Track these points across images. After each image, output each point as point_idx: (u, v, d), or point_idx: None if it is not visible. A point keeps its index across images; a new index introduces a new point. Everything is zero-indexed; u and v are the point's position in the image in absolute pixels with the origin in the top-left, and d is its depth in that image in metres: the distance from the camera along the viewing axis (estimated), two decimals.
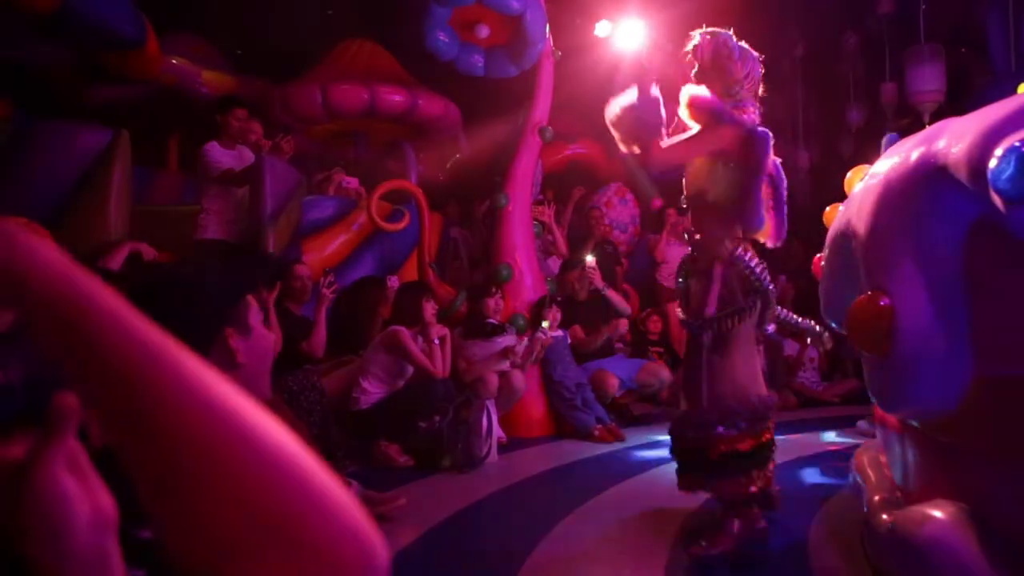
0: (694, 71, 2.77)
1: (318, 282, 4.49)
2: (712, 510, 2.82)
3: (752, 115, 2.69)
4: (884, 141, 3.32)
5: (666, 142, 2.70)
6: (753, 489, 2.56)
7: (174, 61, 6.70)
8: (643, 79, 2.72)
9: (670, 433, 2.81)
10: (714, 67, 2.71)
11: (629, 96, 2.76)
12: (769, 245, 2.78)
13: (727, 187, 2.65)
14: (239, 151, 5.03)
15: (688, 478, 2.75)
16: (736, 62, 2.69)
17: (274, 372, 3.77)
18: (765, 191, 2.71)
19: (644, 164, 2.88)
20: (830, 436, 4.71)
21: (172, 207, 6.32)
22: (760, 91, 2.78)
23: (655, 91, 2.72)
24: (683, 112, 2.72)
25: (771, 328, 2.78)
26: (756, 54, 2.76)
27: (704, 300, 2.64)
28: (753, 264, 2.61)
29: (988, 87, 7.41)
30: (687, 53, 2.78)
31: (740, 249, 2.62)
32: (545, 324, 4.84)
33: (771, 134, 2.68)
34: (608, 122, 2.86)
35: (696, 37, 2.77)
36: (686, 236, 2.84)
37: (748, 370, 2.66)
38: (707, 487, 2.70)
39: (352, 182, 6.01)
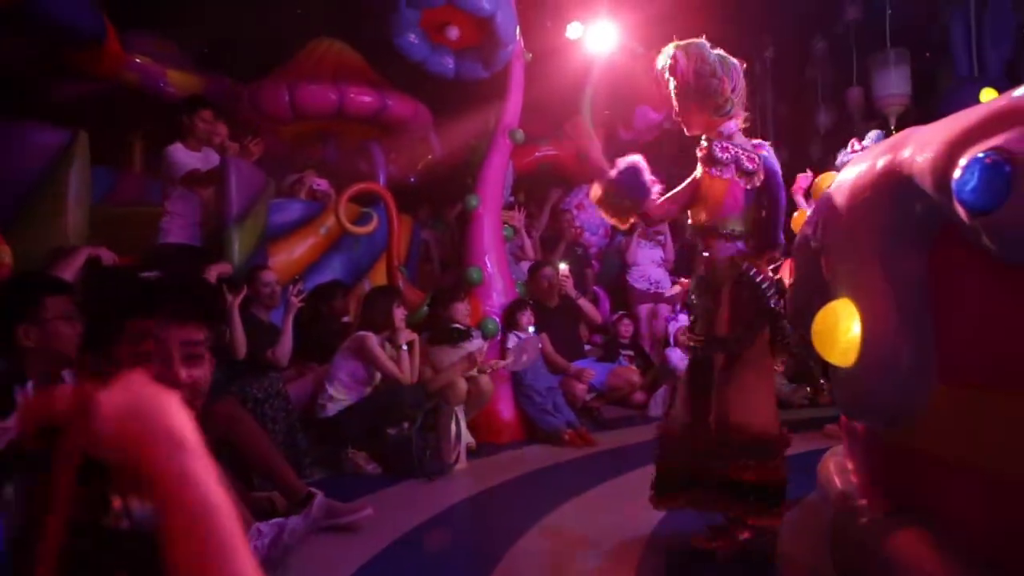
0: (674, 87, 2.70)
1: (287, 288, 4.43)
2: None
3: (737, 123, 2.70)
4: (870, 136, 3.34)
5: (661, 199, 2.75)
6: (764, 523, 2.53)
7: (137, 59, 6.57)
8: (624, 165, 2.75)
9: (660, 449, 2.76)
10: (698, 88, 2.64)
11: (608, 176, 2.76)
12: (771, 253, 2.75)
13: (743, 222, 2.66)
14: (205, 153, 4.94)
15: (669, 497, 2.71)
16: (722, 79, 2.62)
17: (239, 380, 3.75)
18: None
19: (645, 222, 2.89)
20: (798, 441, 4.73)
21: (136, 208, 6.19)
22: (744, 96, 2.75)
23: (634, 162, 2.75)
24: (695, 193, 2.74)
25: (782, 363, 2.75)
26: (735, 61, 2.70)
27: (714, 319, 2.61)
28: (762, 282, 2.58)
29: (952, 91, 7.54)
30: (662, 71, 2.72)
31: (749, 266, 2.60)
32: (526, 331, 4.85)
33: (766, 158, 2.69)
34: (594, 203, 2.86)
35: (669, 53, 2.68)
36: (702, 254, 2.79)
37: (765, 399, 2.60)
38: (706, 507, 2.63)
39: (323, 184, 5.94)
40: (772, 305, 2.56)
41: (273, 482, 2.96)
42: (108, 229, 5.46)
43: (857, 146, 3.72)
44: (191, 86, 6.96)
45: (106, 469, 0.75)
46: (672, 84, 2.69)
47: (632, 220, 2.82)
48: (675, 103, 2.73)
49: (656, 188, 2.77)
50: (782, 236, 2.72)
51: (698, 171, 2.74)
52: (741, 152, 2.64)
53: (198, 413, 1.13)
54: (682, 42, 2.68)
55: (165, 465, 0.70)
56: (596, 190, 2.80)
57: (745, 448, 2.49)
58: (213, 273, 3.82)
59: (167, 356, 1.12)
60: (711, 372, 2.60)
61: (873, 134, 3.36)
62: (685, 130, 2.78)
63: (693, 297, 2.80)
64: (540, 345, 5.05)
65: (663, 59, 2.70)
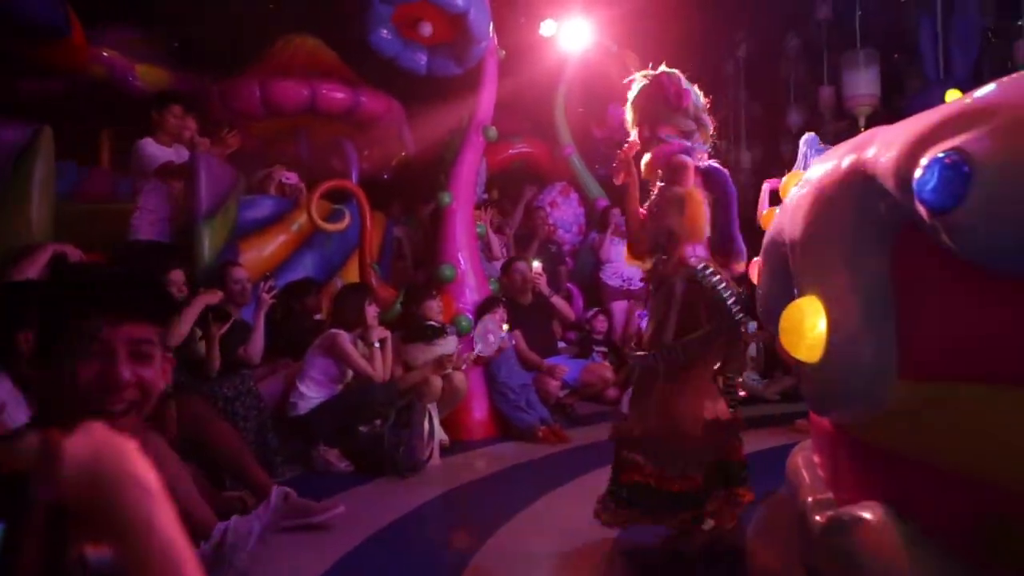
0: (639, 95, 2.76)
1: (257, 285, 4.39)
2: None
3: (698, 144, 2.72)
4: (803, 140, 3.38)
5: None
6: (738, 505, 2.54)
7: (105, 53, 6.46)
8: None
9: (616, 458, 2.77)
10: (662, 107, 2.69)
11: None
12: (734, 266, 2.76)
13: (695, 227, 2.62)
14: (176, 149, 4.90)
15: (622, 514, 2.68)
16: (701, 108, 2.73)
17: (209, 378, 3.71)
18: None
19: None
20: (768, 436, 4.79)
21: (104, 205, 6.10)
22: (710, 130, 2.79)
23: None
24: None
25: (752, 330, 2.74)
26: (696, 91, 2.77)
27: (664, 325, 2.56)
28: (717, 281, 2.55)
29: (920, 93, 7.67)
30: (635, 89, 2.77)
31: (702, 266, 2.57)
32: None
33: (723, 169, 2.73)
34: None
35: (661, 71, 2.74)
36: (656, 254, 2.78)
37: (709, 396, 2.57)
38: (657, 521, 2.62)
39: (292, 177, 5.88)
40: (728, 310, 2.51)
41: (243, 481, 2.93)
42: (75, 225, 5.37)
43: (803, 147, 3.76)
44: (160, 81, 6.88)
45: (66, 517, 0.75)
46: (643, 96, 2.75)
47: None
48: (637, 114, 2.78)
49: None
50: (742, 244, 2.71)
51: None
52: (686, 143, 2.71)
53: (150, 414, 1.11)
54: (654, 73, 2.76)
55: (132, 513, 0.72)
56: None
57: (697, 449, 2.51)
58: (201, 302, 3.75)
59: (110, 354, 1.08)
60: (655, 379, 2.58)
61: (807, 137, 3.38)
62: (634, 133, 2.82)
63: (650, 303, 2.78)
64: (504, 329, 5.01)
65: (643, 76, 2.76)
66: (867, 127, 7.52)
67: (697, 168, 2.67)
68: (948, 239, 1.44)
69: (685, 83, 2.73)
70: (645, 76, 2.78)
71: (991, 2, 8.14)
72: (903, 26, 8.25)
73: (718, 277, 2.55)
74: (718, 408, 2.56)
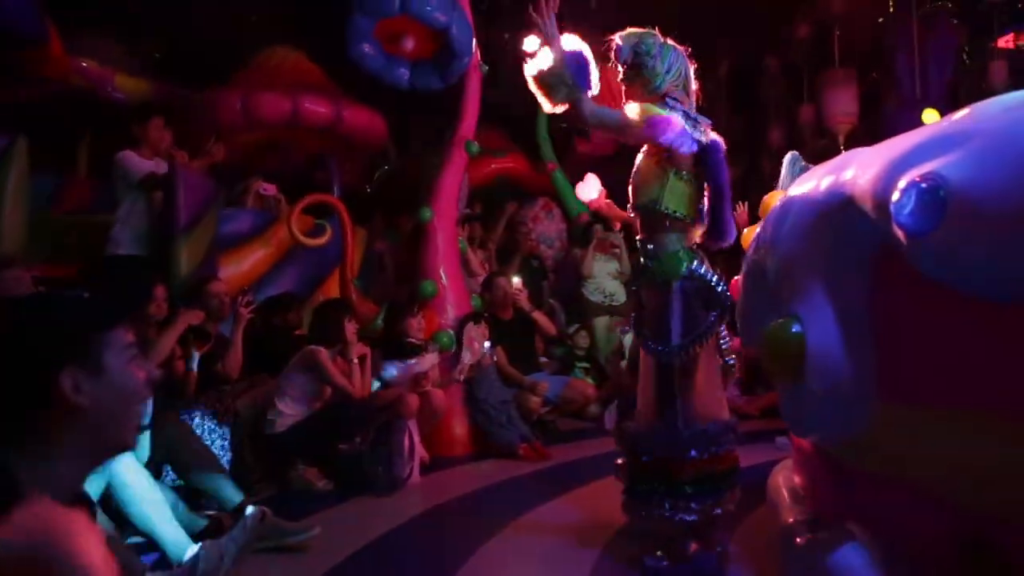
0: (620, 76, 2.75)
1: (236, 300, 4.34)
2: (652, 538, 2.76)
3: (684, 108, 2.65)
4: (787, 159, 3.40)
5: (599, 107, 2.55)
6: (719, 511, 2.55)
7: (83, 63, 6.40)
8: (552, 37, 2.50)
9: (631, 452, 2.71)
10: (634, 63, 2.67)
11: (546, 54, 2.51)
12: (725, 245, 2.72)
13: (682, 200, 2.58)
14: (156, 162, 4.86)
15: (639, 503, 2.66)
16: (655, 57, 2.65)
17: (188, 395, 3.66)
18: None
19: (569, 118, 2.59)
20: (750, 452, 4.79)
21: (82, 216, 6.04)
22: (692, 86, 2.74)
23: (571, 44, 2.53)
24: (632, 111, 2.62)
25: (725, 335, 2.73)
26: (681, 49, 2.74)
27: (666, 324, 2.57)
28: (710, 277, 2.56)
29: (897, 112, 7.79)
30: (611, 59, 2.75)
31: (696, 263, 2.58)
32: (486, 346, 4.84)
33: (715, 138, 2.64)
34: (531, 80, 2.56)
35: (617, 38, 2.74)
36: (637, 242, 2.74)
37: (713, 392, 2.64)
38: (677, 511, 2.55)
39: (270, 188, 5.85)
40: (723, 299, 2.55)
41: (218, 501, 2.88)
42: (51, 236, 5.30)
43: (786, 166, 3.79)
44: (141, 92, 6.82)
45: None
46: (620, 71, 2.74)
47: (563, 108, 2.51)
48: (623, 89, 2.75)
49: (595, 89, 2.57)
50: (733, 228, 2.65)
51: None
52: (685, 108, 2.67)
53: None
54: (629, 30, 2.74)
55: None
56: (537, 64, 2.53)
57: (709, 440, 2.53)
58: (182, 324, 3.70)
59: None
60: (671, 375, 2.58)
61: (789, 156, 3.41)
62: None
63: (636, 288, 2.77)
64: (487, 342, 5.00)
65: (612, 47, 2.74)
66: (846, 144, 7.65)
67: (699, 142, 2.60)
68: (924, 263, 1.45)
69: (624, 41, 2.68)
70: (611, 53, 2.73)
71: (966, 24, 8.29)
72: (880, 46, 8.38)
73: (707, 270, 2.57)
74: (724, 405, 2.69)
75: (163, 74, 7.45)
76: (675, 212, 2.57)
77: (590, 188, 3.27)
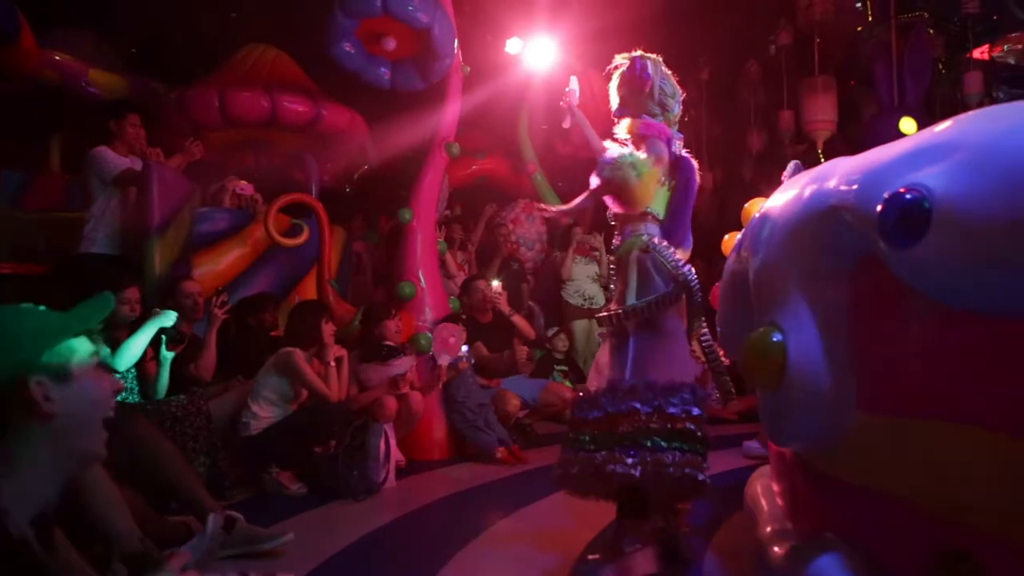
0: (619, 87, 2.89)
1: (210, 300, 4.27)
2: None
3: (668, 135, 2.81)
4: (789, 169, 3.42)
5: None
6: (686, 473, 2.32)
7: (57, 57, 6.28)
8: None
9: (572, 415, 2.69)
10: (652, 96, 2.83)
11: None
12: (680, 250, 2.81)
13: (660, 203, 2.75)
14: (132, 160, 4.79)
15: (579, 458, 2.55)
16: (673, 99, 2.85)
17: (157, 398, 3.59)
18: None
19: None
20: (728, 456, 4.80)
21: (53, 213, 5.93)
22: (677, 115, 2.90)
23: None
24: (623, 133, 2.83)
25: (705, 333, 2.73)
26: (674, 81, 2.89)
27: (624, 291, 2.68)
28: (669, 254, 2.65)
29: (874, 119, 7.86)
30: (615, 68, 2.90)
31: (656, 240, 2.68)
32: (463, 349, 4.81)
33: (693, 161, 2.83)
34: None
35: (634, 56, 2.88)
36: (594, 254, 2.92)
37: (677, 360, 2.60)
38: (610, 462, 2.43)
39: (247, 188, 5.77)
40: (681, 275, 2.60)
41: (188, 505, 2.82)
42: (21, 234, 5.20)
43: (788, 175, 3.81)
44: (115, 87, 6.71)
45: None
46: (619, 82, 2.88)
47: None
48: (617, 101, 2.89)
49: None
50: (690, 238, 2.81)
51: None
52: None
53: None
54: (648, 54, 2.89)
55: None
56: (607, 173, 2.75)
57: (651, 399, 2.45)
58: (155, 327, 3.62)
59: None
60: (625, 342, 2.65)
61: (792, 165, 3.44)
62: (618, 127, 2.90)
63: (613, 280, 2.86)
64: (463, 345, 4.97)
65: (622, 58, 2.89)
66: (825, 150, 7.72)
67: (671, 153, 2.79)
68: (907, 274, 1.44)
69: (652, 69, 2.84)
70: (624, 58, 2.89)
71: (942, 35, 8.40)
72: (859, 55, 8.47)
73: (667, 248, 2.67)
74: (686, 370, 2.60)
75: (139, 70, 7.33)
76: (654, 210, 2.74)
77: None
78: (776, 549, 1.95)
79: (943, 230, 1.29)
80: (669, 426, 2.39)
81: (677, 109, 2.89)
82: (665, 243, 2.69)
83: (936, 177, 1.33)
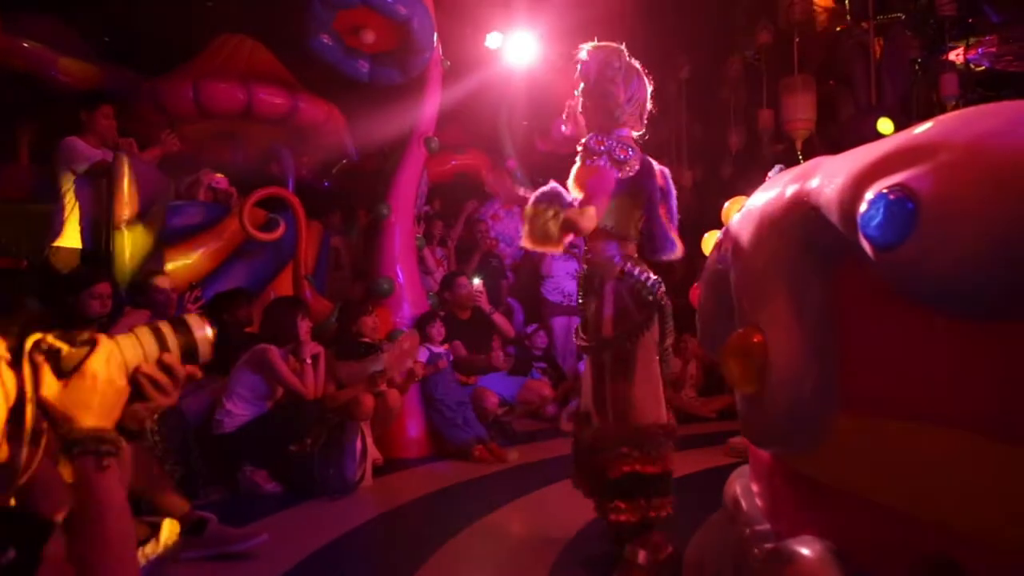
0: (579, 89, 2.78)
1: (183, 295, 4.21)
2: (608, 541, 2.77)
3: (628, 137, 2.70)
4: (773, 172, 3.45)
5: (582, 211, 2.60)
6: (653, 514, 2.54)
7: (25, 44, 6.14)
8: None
9: (580, 452, 2.76)
10: (596, 89, 2.72)
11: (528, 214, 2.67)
12: (664, 258, 2.83)
13: (618, 216, 2.66)
14: (104, 151, 4.71)
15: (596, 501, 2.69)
16: (619, 85, 2.69)
17: (158, 411, 3.51)
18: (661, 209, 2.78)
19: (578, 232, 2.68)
20: (707, 455, 4.81)
21: (22, 205, 5.80)
22: (646, 112, 2.79)
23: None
24: (572, 186, 2.71)
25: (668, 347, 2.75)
26: (644, 78, 2.77)
27: (599, 321, 2.64)
28: (644, 278, 2.63)
29: (853, 119, 7.93)
30: (576, 69, 2.78)
31: (630, 265, 2.65)
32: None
33: (644, 157, 2.71)
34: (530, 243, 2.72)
35: (584, 52, 2.76)
36: (581, 256, 2.84)
37: (651, 392, 2.64)
38: (604, 511, 2.61)
39: (221, 181, 5.69)
40: (656, 299, 2.62)
41: (156, 507, 2.77)
42: None
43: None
44: (86, 76, 6.57)
45: None
46: (580, 88, 2.79)
47: (568, 238, 2.65)
48: (580, 100, 2.80)
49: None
50: (675, 243, 2.78)
51: (570, 179, 2.76)
52: (615, 143, 2.66)
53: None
54: (601, 43, 2.77)
55: None
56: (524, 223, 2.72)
57: (641, 439, 2.54)
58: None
59: None
60: (603, 373, 2.66)
61: (776, 169, 3.47)
62: (586, 130, 2.82)
63: (580, 299, 2.83)
64: (451, 358, 4.98)
65: (580, 54, 2.78)
66: (803, 150, 7.76)
67: (618, 179, 2.64)
68: (891, 275, 1.43)
69: (603, 64, 2.70)
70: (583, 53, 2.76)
71: (918, 37, 8.48)
72: (836, 56, 8.53)
73: (641, 272, 2.64)
74: (660, 408, 2.65)
75: (112, 59, 7.19)
76: (611, 227, 2.66)
77: None
78: (755, 551, 1.93)
79: (928, 231, 1.27)
80: (648, 471, 2.54)
81: (635, 110, 2.76)
82: (638, 268, 2.65)
83: (921, 177, 1.31)
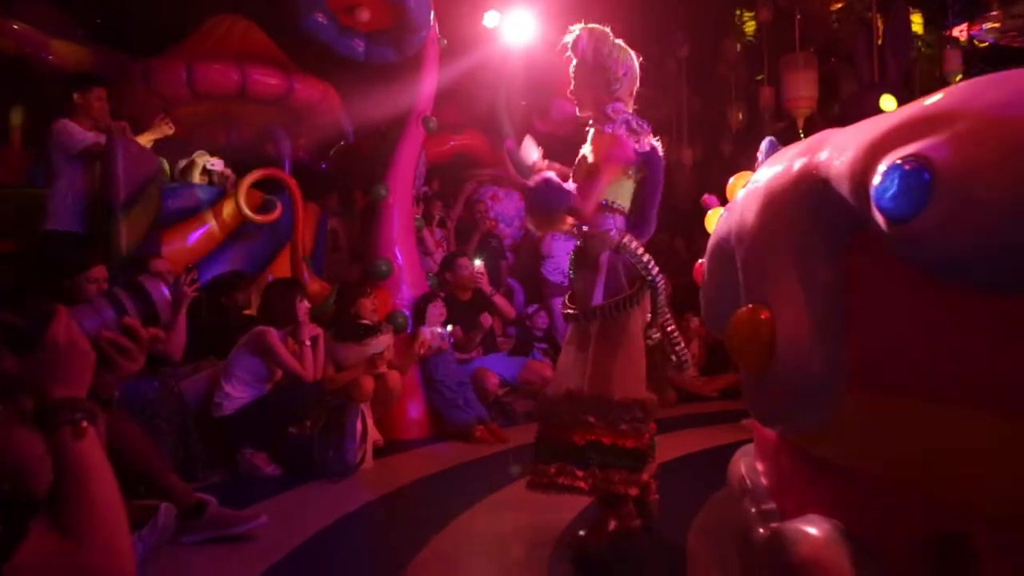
0: (573, 66, 2.82)
1: (179, 278, 4.16)
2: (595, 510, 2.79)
3: (626, 111, 2.75)
4: (764, 146, 3.37)
5: (577, 192, 2.67)
6: (623, 490, 2.53)
7: (15, 27, 6.05)
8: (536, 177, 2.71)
9: (538, 420, 2.75)
10: (595, 64, 2.75)
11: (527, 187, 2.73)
12: (641, 240, 2.81)
13: (624, 194, 2.73)
14: (97, 134, 4.66)
15: (541, 468, 2.65)
16: (615, 59, 2.75)
17: (128, 377, 3.49)
18: None
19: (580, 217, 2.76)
20: (710, 434, 4.81)
21: (15, 189, 5.75)
22: (635, 88, 2.84)
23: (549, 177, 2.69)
24: (588, 152, 2.77)
25: (655, 335, 2.75)
26: (632, 52, 2.82)
27: (591, 291, 2.66)
28: (640, 253, 2.65)
29: (855, 96, 7.85)
30: (565, 47, 2.82)
31: (627, 239, 2.67)
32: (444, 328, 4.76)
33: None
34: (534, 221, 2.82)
35: (575, 31, 2.81)
36: (575, 230, 2.84)
37: (633, 369, 2.64)
38: (568, 482, 2.58)
39: (217, 163, 5.64)
40: (650, 276, 2.64)
41: (157, 490, 2.74)
42: None
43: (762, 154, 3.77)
44: (78, 59, 6.49)
45: None
46: (573, 61, 2.82)
47: (570, 221, 2.74)
48: (572, 79, 2.84)
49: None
50: (653, 225, 2.83)
51: (584, 148, 2.82)
52: (632, 115, 2.77)
53: None
54: (590, 25, 2.83)
55: None
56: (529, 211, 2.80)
57: (611, 410, 2.54)
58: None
59: None
60: (587, 342, 2.66)
61: (766, 142, 3.43)
62: (577, 109, 2.88)
63: (571, 271, 2.85)
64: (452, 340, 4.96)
65: (570, 36, 2.82)
66: (805, 128, 7.70)
67: (636, 150, 2.71)
68: (906, 249, 1.38)
69: (593, 45, 2.75)
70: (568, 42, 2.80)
71: (921, 13, 8.39)
72: (838, 33, 8.44)
73: (637, 247, 2.67)
74: (640, 384, 2.64)
75: (103, 41, 7.10)
76: (612, 202, 2.71)
77: (530, 151, 3.21)
78: (760, 530, 1.91)
79: (944, 202, 1.23)
80: (619, 444, 2.52)
81: (629, 84, 2.81)
82: (635, 243, 2.68)
83: (936, 147, 1.27)
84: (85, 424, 1.00)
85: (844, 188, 1.53)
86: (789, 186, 1.80)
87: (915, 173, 1.27)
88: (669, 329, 2.81)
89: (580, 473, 2.52)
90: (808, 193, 1.72)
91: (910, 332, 1.51)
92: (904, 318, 1.52)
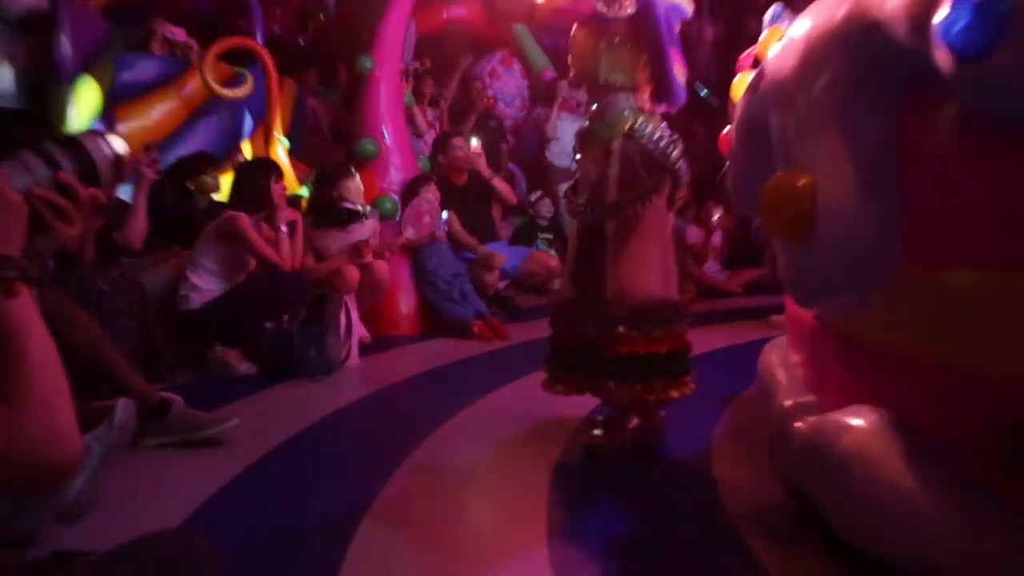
0: None
1: (137, 159, 3.94)
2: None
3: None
4: (771, 11, 3.17)
5: None
6: (652, 397, 2.46)
7: None
8: None
9: (552, 325, 2.66)
10: None
11: None
12: (670, 109, 2.66)
13: (619, 67, 2.56)
14: None
15: (562, 376, 2.60)
16: None
17: (84, 267, 3.33)
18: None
19: None
20: (735, 331, 4.70)
21: None
22: None
23: None
24: None
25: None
26: None
27: (603, 184, 2.51)
28: (656, 137, 2.48)
29: None
30: None
31: (641, 121, 2.50)
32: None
33: None
34: None
35: None
36: (591, 107, 2.68)
37: (659, 265, 2.52)
38: (595, 390, 2.55)
39: (179, 33, 5.36)
40: (669, 163, 2.49)
41: (116, 388, 2.60)
42: None
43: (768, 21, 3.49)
44: None
45: None
46: None
47: None
48: None
49: None
50: (681, 91, 2.62)
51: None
52: None
53: None
54: None
55: None
56: None
57: (641, 317, 2.44)
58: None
59: None
60: (602, 241, 2.51)
61: (773, 9, 3.22)
62: None
63: (577, 156, 2.70)
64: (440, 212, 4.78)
65: None
66: None
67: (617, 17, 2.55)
68: (975, 92, 1.26)
69: None
70: None
71: None
72: None
73: (653, 129, 2.51)
74: (670, 283, 2.56)
75: None
76: (618, 81, 2.56)
77: None
78: (798, 425, 1.78)
79: (1022, 36, 1.12)
80: (653, 351, 2.44)
81: None
82: (651, 126, 2.50)
83: None
84: (16, 286, 0.97)
85: (900, 27, 1.39)
86: (832, 36, 1.67)
87: (989, 4, 1.16)
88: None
89: (614, 386, 2.46)
90: (855, 42, 1.59)
91: (971, 198, 1.40)
92: (968, 180, 1.40)
